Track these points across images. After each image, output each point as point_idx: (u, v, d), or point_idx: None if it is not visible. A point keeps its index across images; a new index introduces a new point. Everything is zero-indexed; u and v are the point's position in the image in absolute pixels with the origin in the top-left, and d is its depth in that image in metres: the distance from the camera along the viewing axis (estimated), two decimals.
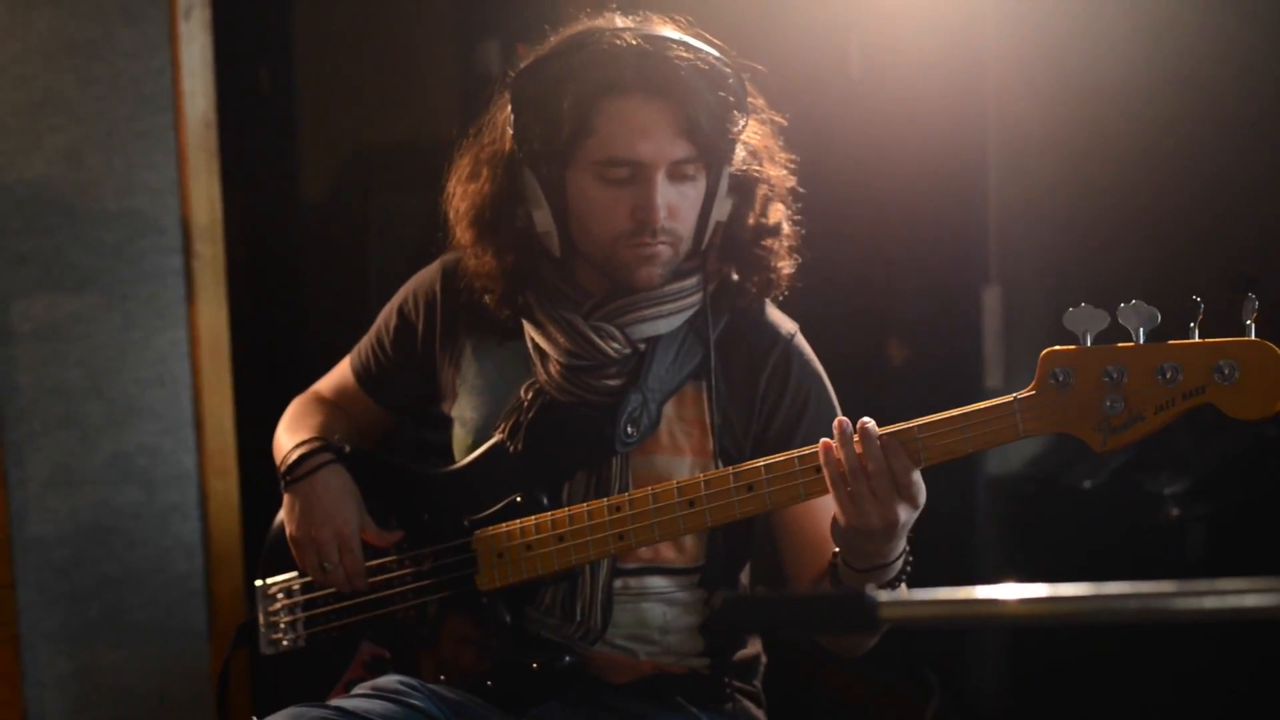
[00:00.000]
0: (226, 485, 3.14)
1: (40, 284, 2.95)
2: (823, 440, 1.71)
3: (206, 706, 3.14)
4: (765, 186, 1.98)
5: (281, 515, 2.10)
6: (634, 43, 1.86)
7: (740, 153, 1.94)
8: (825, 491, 1.72)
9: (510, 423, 1.97)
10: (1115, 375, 1.56)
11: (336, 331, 2.53)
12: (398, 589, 2.02)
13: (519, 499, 1.94)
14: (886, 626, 1.26)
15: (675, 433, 1.96)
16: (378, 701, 1.88)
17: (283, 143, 3.76)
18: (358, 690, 1.94)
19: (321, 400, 2.23)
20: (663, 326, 1.94)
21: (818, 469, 1.72)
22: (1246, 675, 2.64)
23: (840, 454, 1.69)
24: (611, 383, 1.93)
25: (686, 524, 1.81)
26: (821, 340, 2.06)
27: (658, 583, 1.97)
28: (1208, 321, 1.54)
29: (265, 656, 2.13)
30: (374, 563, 2.04)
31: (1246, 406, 1.51)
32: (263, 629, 2.13)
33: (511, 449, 1.96)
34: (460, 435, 2.06)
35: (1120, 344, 1.57)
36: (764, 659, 2.09)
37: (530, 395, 1.97)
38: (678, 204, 1.89)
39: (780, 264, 2.01)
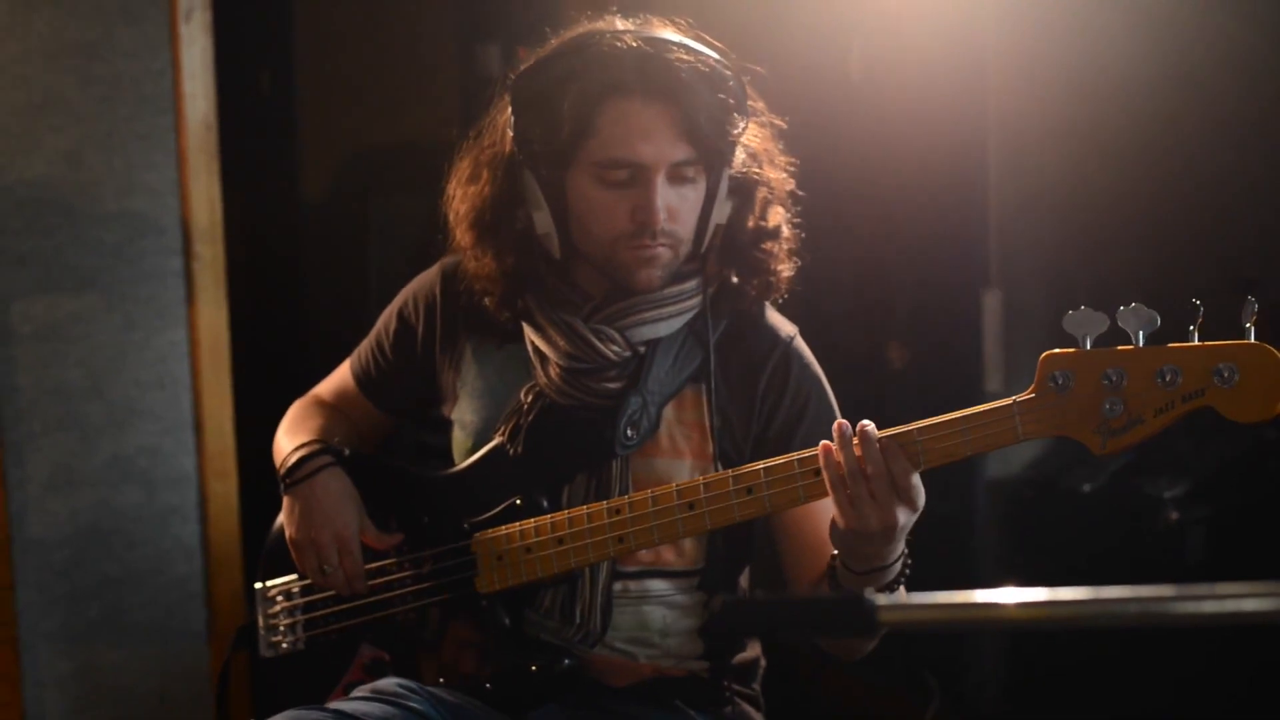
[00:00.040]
0: (226, 487, 3.14)
1: (40, 285, 2.95)
2: (822, 443, 1.71)
3: (206, 707, 3.14)
4: (765, 189, 1.98)
5: (281, 518, 2.10)
6: (634, 45, 1.86)
7: (740, 155, 1.94)
8: (824, 494, 1.72)
9: (510, 425, 1.97)
10: (1114, 378, 1.56)
11: (336, 333, 2.53)
12: (397, 591, 2.02)
13: (518, 502, 1.94)
14: (885, 630, 1.26)
15: (675, 435, 1.96)
16: (376, 704, 1.88)
17: (283, 144, 3.76)
18: (356, 693, 1.93)
19: (321, 403, 2.23)
20: (662, 329, 1.94)
21: (817, 472, 1.72)
22: (1246, 679, 2.64)
23: (839, 456, 1.69)
24: (611, 385, 1.93)
25: (686, 527, 1.81)
26: (821, 343, 2.06)
27: (657, 586, 1.97)
28: (1208, 324, 1.54)
29: (265, 659, 2.13)
30: (373, 565, 2.04)
31: (1246, 409, 1.51)
32: (262, 631, 2.13)
33: (511, 452, 1.96)
34: (460, 438, 2.06)
35: (1120, 347, 1.57)
36: (763, 662, 2.09)
37: (530, 398, 1.97)
38: (677, 206, 1.89)
39: (780, 267, 2.01)
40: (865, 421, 1.69)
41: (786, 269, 2.01)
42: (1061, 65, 2.91)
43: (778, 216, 2.00)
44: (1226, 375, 1.51)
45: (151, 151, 3.04)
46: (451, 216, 2.04)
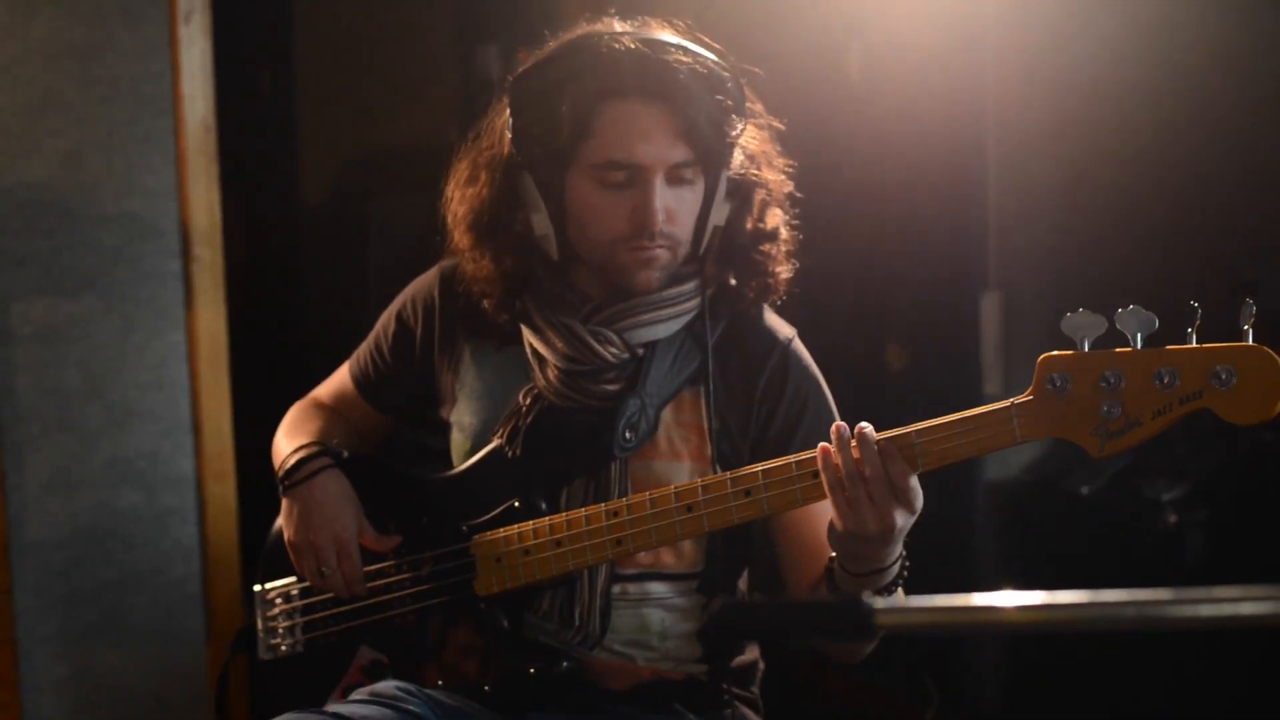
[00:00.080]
0: (224, 489, 3.14)
1: (39, 287, 2.95)
2: (820, 445, 1.71)
3: (204, 709, 3.14)
4: (763, 191, 1.98)
5: (280, 520, 2.10)
6: (632, 46, 1.86)
7: (738, 157, 1.94)
8: (823, 497, 1.72)
9: (509, 428, 1.97)
10: (1112, 380, 1.56)
11: (335, 335, 2.53)
12: (396, 594, 2.02)
13: (517, 504, 1.94)
14: (883, 633, 1.26)
15: (674, 438, 1.96)
16: (374, 707, 1.88)
17: (282, 146, 3.76)
18: (355, 696, 1.93)
19: (320, 406, 2.23)
20: (661, 331, 1.94)
21: (815, 474, 1.72)
22: (1245, 682, 2.63)
23: (837, 459, 1.69)
24: (610, 388, 1.93)
25: (684, 529, 1.81)
26: (820, 345, 2.06)
27: (656, 588, 1.97)
28: (1207, 327, 1.54)
29: (264, 661, 2.13)
30: (372, 568, 2.03)
31: (1243, 411, 1.51)
32: (261, 634, 2.12)
33: (510, 454, 1.96)
34: (459, 440, 2.06)
35: (1118, 349, 1.57)
36: (762, 665, 2.09)
37: (529, 400, 1.97)
38: (676, 207, 1.89)
39: (778, 269, 2.01)
40: (863, 424, 1.69)
41: (785, 271, 2.01)
42: (1060, 68, 2.91)
43: (776, 218, 2.00)
44: (1224, 377, 1.51)
45: (151, 153, 3.03)
46: (450, 218, 2.04)
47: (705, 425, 1.95)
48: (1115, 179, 2.91)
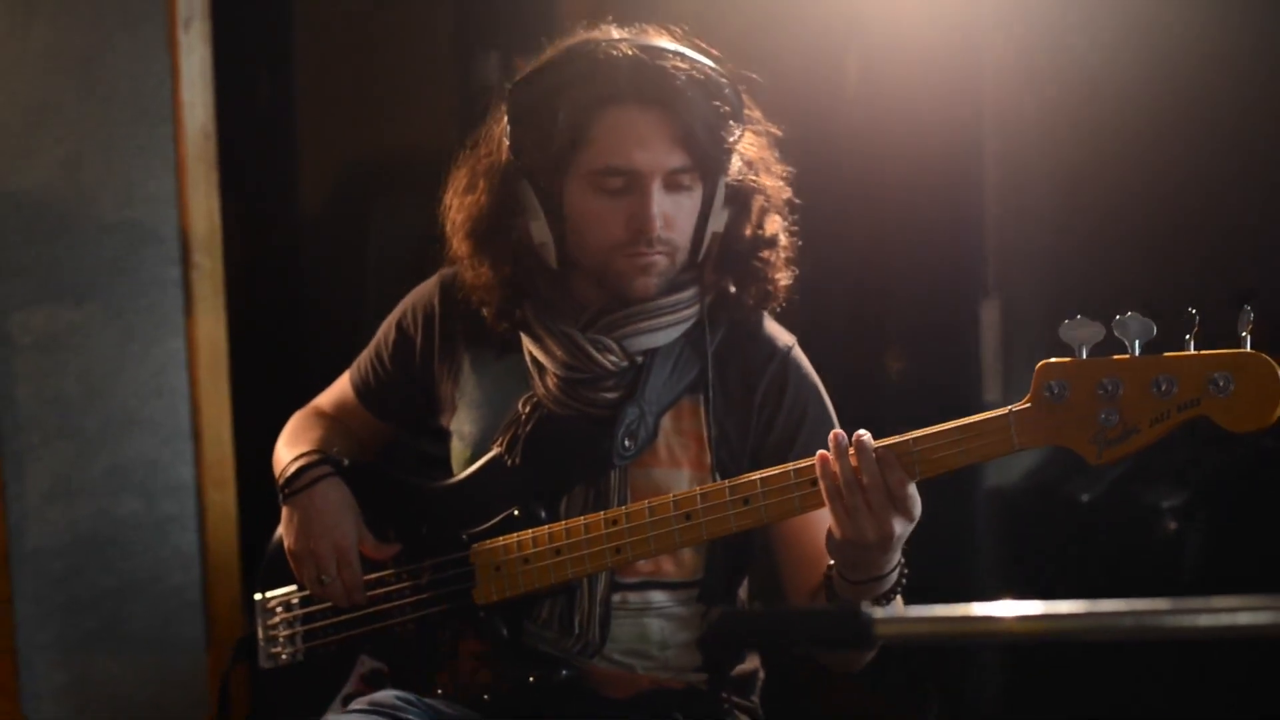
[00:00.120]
0: (224, 496, 3.14)
1: (39, 295, 2.95)
2: (819, 453, 1.71)
3: (204, 716, 3.14)
4: (762, 197, 1.98)
5: (280, 529, 2.10)
6: (630, 53, 1.87)
7: (736, 163, 1.94)
8: (821, 504, 1.72)
9: (508, 436, 1.97)
10: (1110, 388, 1.56)
11: (335, 343, 2.53)
12: (395, 602, 2.02)
13: (516, 512, 1.94)
14: (881, 643, 1.26)
15: (673, 446, 1.96)
16: (374, 717, 1.88)
17: (282, 154, 3.75)
18: (354, 705, 1.93)
19: (321, 414, 2.23)
20: (660, 339, 1.95)
21: (814, 482, 1.72)
22: (1245, 690, 2.63)
23: (836, 467, 1.69)
24: (609, 396, 1.93)
25: (683, 537, 1.81)
26: (819, 352, 2.06)
27: (656, 597, 1.97)
28: (1207, 334, 1.54)
29: (264, 670, 2.13)
30: (372, 576, 2.04)
31: (1242, 418, 1.51)
32: (262, 643, 2.13)
33: (509, 462, 1.96)
34: (459, 449, 2.06)
35: (1115, 356, 1.57)
36: (762, 674, 2.09)
37: (528, 409, 1.97)
38: (674, 214, 1.89)
39: (777, 275, 2.01)
40: (861, 431, 1.69)
41: (784, 278, 2.01)
42: (1059, 73, 2.91)
43: (775, 225, 2.00)
44: (1222, 384, 1.51)
45: (150, 161, 3.03)
46: (448, 226, 2.04)
47: (705, 433, 1.95)
48: (1114, 185, 2.90)
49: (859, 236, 3.11)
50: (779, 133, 2.01)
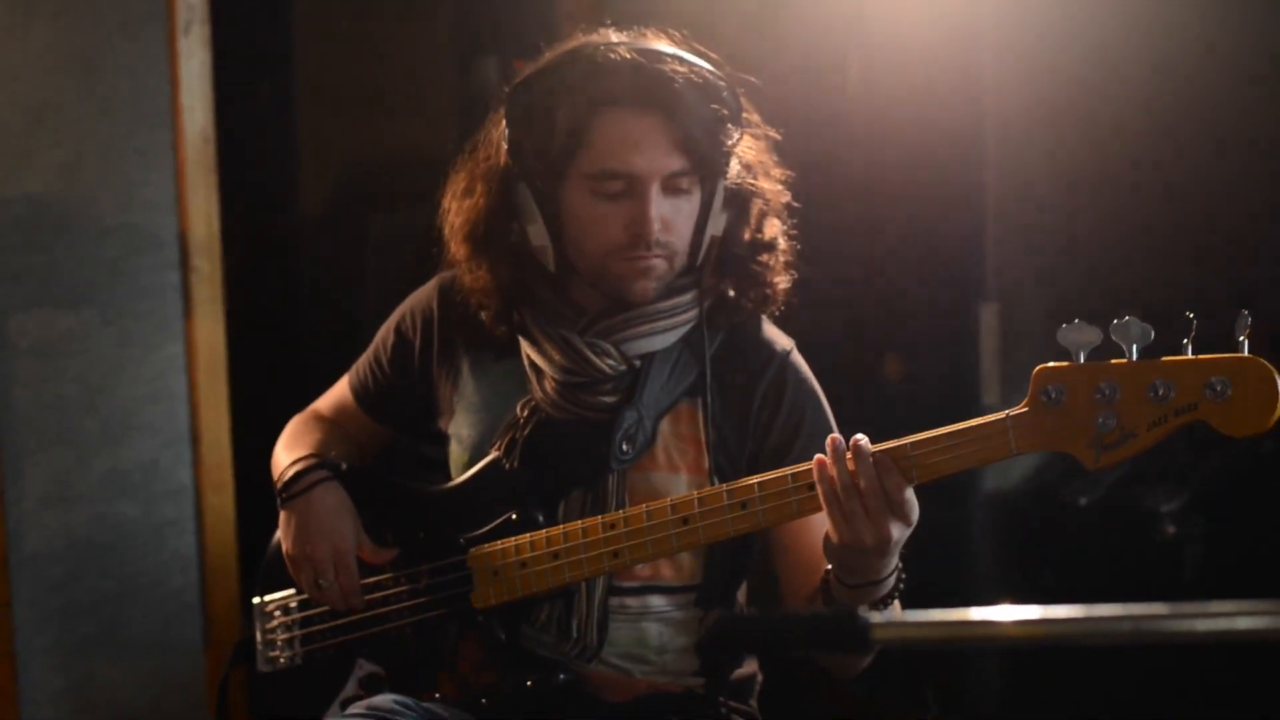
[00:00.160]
0: (222, 500, 3.14)
1: (37, 299, 2.95)
2: (816, 457, 1.71)
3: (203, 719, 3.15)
4: (760, 201, 1.98)
5: (278, 533, 2.10)
6: (628, 56, 1.87)
7: (735, 167, 1.94)
8: (819, 509, 1.71)
9: (506, 440, 1.97)
10: (1107, 392, 1.56)
11: (334, 347, 2.53)
12: (393, 606, 2.02)
13: (514, 516, 1.94)
14: (879, 647, 1.26)
15: (671, 450, 1.96)
16: None
17: (281, 158, 3.76)
18: (352, 710, 1.93)
19: (320, 418, 2.23)
20: (658, 343, 1.94)
21: (811, 486, 1.72)
22: (1244, 694, 2.63)
23: (833, 471, 1.69)
24: (607, 400, 1.93)
25: (680, 542, 1.81)
26: (817, 356, 2.06)
27: (654, 601, 1.97)
28: (1205, 338, 1.54)
29: (262, 674, 2.13)
30: (370, 580, 2.03)
31: (1239, 423, 1.51)
32: (260, 647, 2.12)
33: (507, 466, 1.96)
34: (457, 452, 2.06)
35: (1113, 361, 1.57)
36: (760, 678, 2.09)
37: (526, 412, 1.97)
38: (672, 217, 1.89)
39: (776, 279, 2.01)
40: (859, 435, 1.69)
41: (783, 281, 2.01)
42: (1059, 77, 2.91)
43: (774, 228, 2.00)
44: (1219, 389, 1.51)
45: (149, 165, 3.03)
46: (447, 230, 2.05)
47: (703, 437, 1.95)
48: (1114, 189, 2.91)
49: (858, 240, 3.12)
50: (778, 136, 2.01)
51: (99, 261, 3.00)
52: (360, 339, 2.23)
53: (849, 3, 3.05)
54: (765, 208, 1.99)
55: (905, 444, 1.67)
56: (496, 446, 1.98)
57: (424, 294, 2.13)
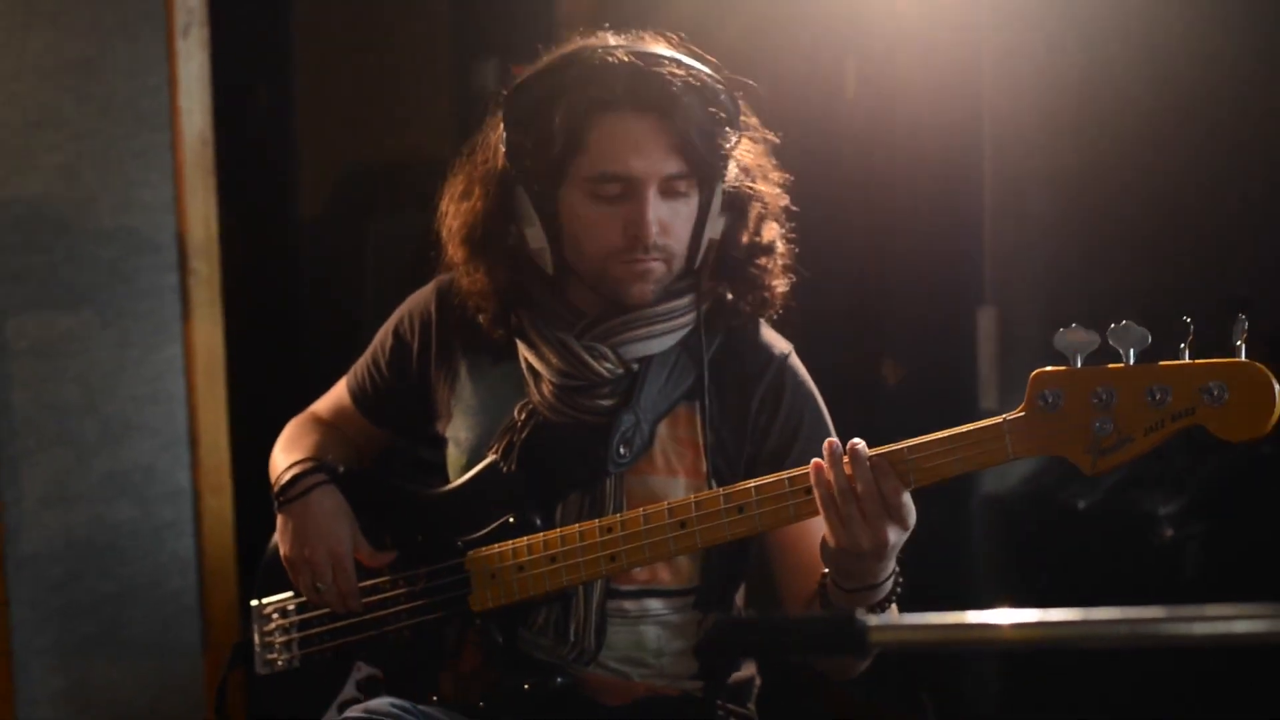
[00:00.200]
0: (221, 502, 3.15)
1: (36, 301, 2.95)
2: (813, 461, 1.71)
3: None
4: (759, 204, 1.98)
5: (276, 536, 2.10)
6: (626, 59, 1.87)
7: (733, 170, 1.94)
8: (816, 513, 1.71)
9: (504, 443, 1.97)
10: (1104, 397, 1.56)
11: (332, 349, 2.53)
12: (391, 609, 2.02)
13: (512, 519, 1.94)
14: (877, 650, 1.26)
15: (669, 453, 1.96)
16: None
17: (280, 160, 3.76)
18: (350, 713, 1.93)
19: (318, 421, 2.23)
20: (655, 346, 1.94)
21: (808, 490, 1.71)
22: (1241, 694, 2.63)
23: (830, 475, 1.69)
24: (604, 403, 1.93)
25: (677, 545, 1.81)
26: (815, 360, 2.06)
27: (652, 604, 1.97)
28: (1203, 342, 1.54)
29: (260, 676, 2.13)
30: (368, 583, 2.04)
31: (1236, 428, 1.51)
32: (258, 649, 2.13)
33: (505, 469, 1.96)
34: (455, 455, 2.06)
35: (1110, 365, 1.57)
36: (758, 681, 2.09)
37: (524, 415, 1.97)
38: (670, 220, 1.89)
39: (774, 283, 2.01)
40: (856, 440, 1.69)
41: (781, 285, 2.01)
42: (1057, 82, 2.91)
43: (772, 232, 2.00)
44: (1216, 393, 1.51)
45: (148, 168, 3.04)
46: (444, 232, 2.05)
47: (700, 440, 1.95)
48: (1113, 192, 2.91)
49: (856, 244, 3.12)
50: (776, 139, 2.01)
51: (98, 263, 3.00)
52: (359, 341, 2.23)
53: (848, 6, 3.05)
54: (763, 211, 1.99)
55: (902, 448, 1.67)
56: (494, 449, 1.98)
57: (422, 297, 2.13)
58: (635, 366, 1.94)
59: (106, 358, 3.03)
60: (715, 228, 1.94)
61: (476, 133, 2.03)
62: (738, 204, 1.96)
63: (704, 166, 1.89)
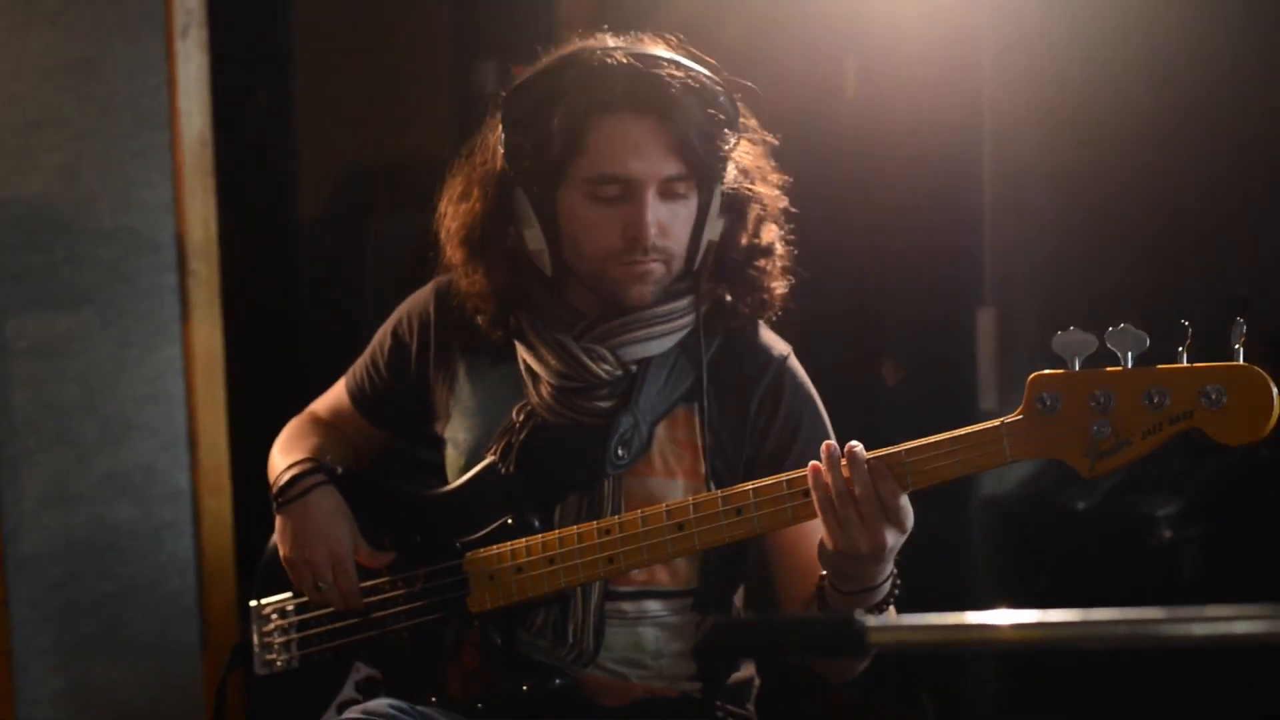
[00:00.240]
0: (220, 503, 3.15)
1: (36, 301, 2.96)
2: (811, 464, 1.71)
3: None
4: (758, 206, 1.98)
5: (275, 537, 2.10)
6: (624, 61, 1.87)
7: (732, 171, 1.94)
8: (814, 515, 1.71)
9: (502, 444, 1.97)
10: (1102, 400, 1.56)
11: (332, 350, 2.53)
12: (390, 610, 2.02)
13: (510, 521, 1.94)
14: (875, 651, 1.26)
15: (667, 455, 1.96)
16: None
17: (279, 161, 3.76)
18: (348, 714, 1.93)
19: (317, 421, 2.23)
20: (654, 348, 1.94)
21: (806, 493, 1.71)
22: (1240, 695, 2.63)
23: (828, 478, 1.69)
24: (602, 404, 1.93)
25: (675, 547, 1.81)
26: (815, 362, 2.06)
27: (651, 606, 1.97)
28: (1209, 345, 1.54)
29: (259, 677, 2.13)
30: (367, 584, 2.04)
31: (1233, 431, 1.51)
32: (257, 649, 2.13)
33: (503, 470, 1.96)
34: (453, 456, 2.06)
35: (1108, 368, 1.57)
36: (757, 682, 2.09)
37: (522, 417, 1.97)
38: (669, 222, 1.89)
39: (773, 284, 2.00)
40: (853, 443, 1.69)
41: (780, 286, 2.01)
42: (1057, 83, 2.91)
43: (771, 234, 2.00)
44: (1214, 397, 1.51)
45: (147, 168, 3.04)
46: (443, 234, 2.04)
47: (699, 442, 1.95)
48: (1113, 194, 2.91)
49: (855, 245, 3.12)
50: (775, 141, 2.01)
51: (97, 264, 3.00)
52: (358, 342, 2.23)
53: (847, 7, 3.05)
54: (763, 213, 1.99)
55: (900, 451, 1.67)
56: (492, 451, 1.98)
57: (420, 298, 2.13)
58: (634, 368, 1.94)
59: (106, 358, 3.03)
60: (714, 229, 1.94)
61: (475, 134, 2.03)
62: (737, 206, 1.96)
63: (703, 168, 1.89)
